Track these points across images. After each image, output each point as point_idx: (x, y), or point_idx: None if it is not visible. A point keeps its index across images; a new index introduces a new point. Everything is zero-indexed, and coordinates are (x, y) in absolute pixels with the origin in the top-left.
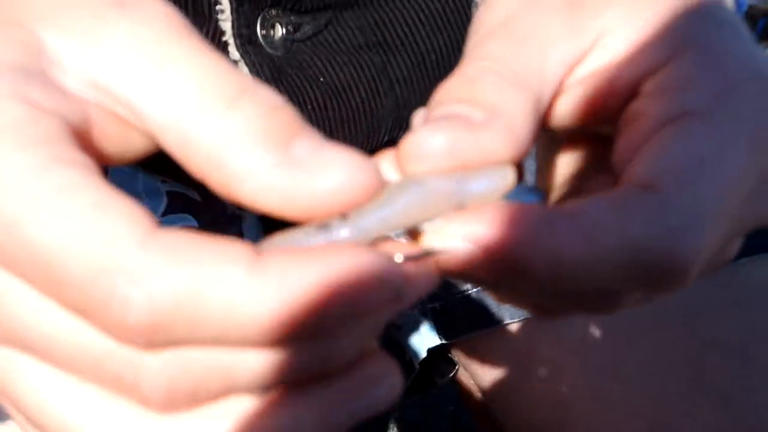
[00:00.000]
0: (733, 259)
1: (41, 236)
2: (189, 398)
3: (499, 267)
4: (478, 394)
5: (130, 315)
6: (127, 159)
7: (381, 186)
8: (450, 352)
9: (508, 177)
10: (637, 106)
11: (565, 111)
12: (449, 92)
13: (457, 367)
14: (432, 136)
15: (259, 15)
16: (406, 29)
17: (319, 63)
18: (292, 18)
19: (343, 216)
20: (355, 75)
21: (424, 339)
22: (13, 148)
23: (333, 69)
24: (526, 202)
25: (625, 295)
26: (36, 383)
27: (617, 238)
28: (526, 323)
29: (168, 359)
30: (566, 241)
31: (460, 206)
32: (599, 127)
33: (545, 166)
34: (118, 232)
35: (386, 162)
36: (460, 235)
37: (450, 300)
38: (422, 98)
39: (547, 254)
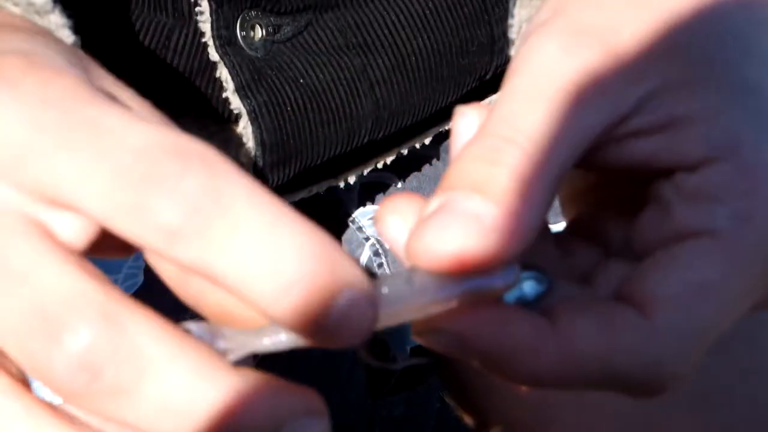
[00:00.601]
0: None
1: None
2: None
3: (485, 366)
4: (462, 389)
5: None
6: None
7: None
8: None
9: (513, 277)
10: (667, 194)
11: (582, 177)
12: (466, 169)
13: (440, 366)
14: (441, 241)
15: (238, 16)
16: (386, 31)
17: (299, 64)
18: (272, 19)
19: None
20: (334, 76)
21: (407, 337)
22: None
23: (313, 70)
24: (530, 291)
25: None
26: None
27: (600, 365)
28: None
29: None
30: (550, 360)
31: (460, 301)
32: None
33: (563, 191)
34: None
35: (395, 215)
36: (449, 332)
37: None
38: (402, 100)
39: (529, 368)
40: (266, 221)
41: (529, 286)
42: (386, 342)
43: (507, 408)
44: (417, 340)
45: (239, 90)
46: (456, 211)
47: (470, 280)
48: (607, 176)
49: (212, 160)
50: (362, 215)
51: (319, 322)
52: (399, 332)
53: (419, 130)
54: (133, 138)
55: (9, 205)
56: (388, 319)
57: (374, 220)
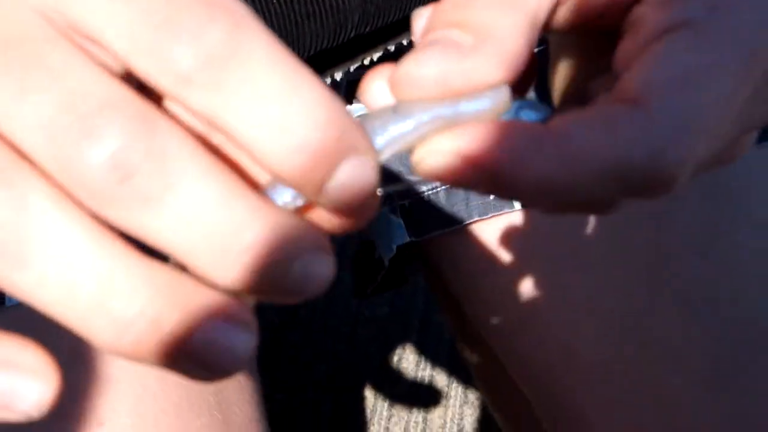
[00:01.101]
0: None
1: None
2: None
3: (486, 182)
4: (447, 290)
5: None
6: None
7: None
8: (420, 250)
9: (502, 97)
10: (639, 11)
11: (565, 18)
12: (440, 16)
13: (425, 264)
14: (422, 66)
15: None
16: None
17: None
18: None
19: None
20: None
21: (394, 236)
22: None
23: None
24: (527, 119)
25: (615, 201)
26: None
27: (602, 156)
28: (494, 220)
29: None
30: (552, 162)
31: (452, 125)
32: (606, 26)
33: (551, 68)
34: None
35: (380, 79)
36: (445, 150)
37: (419, 198)
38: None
39: (531, 174)
40: (281, 79)
41: (526, 114)
42: (373, 242)
43: (490, 308)
44: (416, 173)
45: None
46: (435, 42)
47: (459, 102)
48: (586, 42)
49: (238, 14)
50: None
51: (324, 185)
52: (386, 231)
53: (406, 26)
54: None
55: (39, 20)
56: (383, 150)
57: (359, 93)
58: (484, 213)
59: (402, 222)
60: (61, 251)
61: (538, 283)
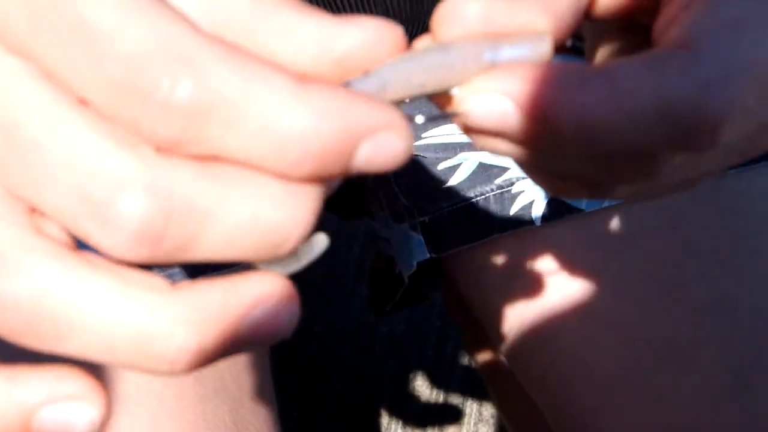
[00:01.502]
0: None
1: (96, 12)
2: (169, 236)
3: (530, 126)
4: (464, 306)
5: (177, 94)
6: None
7: (404, 47)
8: (439, 266)
9: (544, 45)
10: None
11: (608, 3)
12: None
13: (444, 279)
14: (465, 2)
15: None
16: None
17: None
18: None
19: (365, 73)
20: None
21: (414, 253)
22: None
23: None
24: None
25: (660, 160)
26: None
27: (648, 93)
28: (514, 236)
29: (169, 178)
30: (597, 97)
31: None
32: (646, 19)
33: (591, 59)
34: (176, 19)
35: (426, 41)
36: (489, 89)
37: (439, 214)
38: (412, 8)
39: (578, 110)
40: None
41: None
42: (393, 258)
43: (508, 323)
44: (459, 111)
45: None
46: None
47: (500, 45)
48: (626, 36)
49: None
50: None
51: (348, 166)
52: (405, 248)
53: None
54: (125, 42)
55: None
56: (427, 84)
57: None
58: (504, 230)
59: (422, 238)
60: (104, 309)
61: (556, 299)
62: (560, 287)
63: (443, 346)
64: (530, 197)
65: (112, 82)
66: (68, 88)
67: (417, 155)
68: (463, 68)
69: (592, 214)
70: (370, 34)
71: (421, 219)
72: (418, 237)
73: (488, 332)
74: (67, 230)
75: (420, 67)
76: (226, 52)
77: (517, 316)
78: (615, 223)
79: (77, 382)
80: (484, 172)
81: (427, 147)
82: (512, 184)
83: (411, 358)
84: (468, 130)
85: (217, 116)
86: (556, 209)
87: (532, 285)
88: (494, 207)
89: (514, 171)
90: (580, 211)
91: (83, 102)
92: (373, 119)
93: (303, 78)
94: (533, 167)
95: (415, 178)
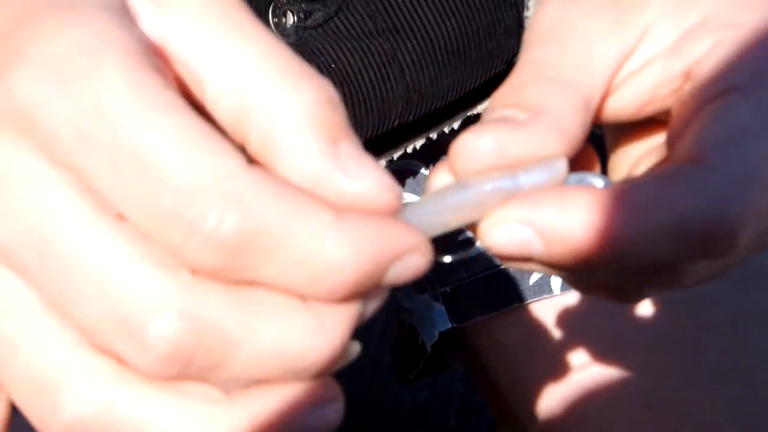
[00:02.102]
0: None
1: (147, 142)
2: (187, 362)
3: (551, 249)
4: (487, 375)
5: (224, 227)
6: None
7: (398, 208)
8: (460, 335)
9: (560, 167)
10: (686, 88)
11: (617, 107)
12: (498, 99)
13: (465, 348)
14: (479, 137)
15: (270, 3)
16: (415, 15)
17: (330, 49)
18: (303, 5)
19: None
20: (365, 61)
21: (436, 322)
22: (129, 65)
23: (344, 55)
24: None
25: (684, 269)
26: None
27: (665, 212)
28: (534, 305)
29: (201, 305)
30: (617, 220)
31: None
32: (659, 116)
33: (612, 155)
34: (227, 153)
35: (442, 172)
36: (508, 220)
37: (460, 284)
38: (432, 83)
39: (599, 233)
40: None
41: (590, 183)
42: (415, 327)
43: (529, 392)
44: (481, 244)
45: None
46: (492, 119)
47: (517, 175)
48: (648, 129)
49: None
50: None
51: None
52: (428, 318)
53: (448, 114)
54: (177, 173)
55: None
56: (450, 223)
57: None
58: (524, 299)
59: (443, 308)
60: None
61: (577, 368)
62: (580, 356)
63: (467, 414)
64: None
65: (159, 210)
66: (108, 203)
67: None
68: (483, 203)
69: None
70: (378, 190)
71: (443, 290)
72: (439, 307)
73: (509, 400)
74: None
75: (441, 207)
76: (273, 188)
77: (538, 385)
78: None
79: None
80: None
81: None
82: None
83: (434, 425)
84: (497, 255)
85: (260, 249)
86: None
87: (552, 353)
88: (513, 276)
89: None
90: None
91: (121, 217)
92: (403, 244)
93: (340, 210)
94: (564, 279)
95: (435, 250)
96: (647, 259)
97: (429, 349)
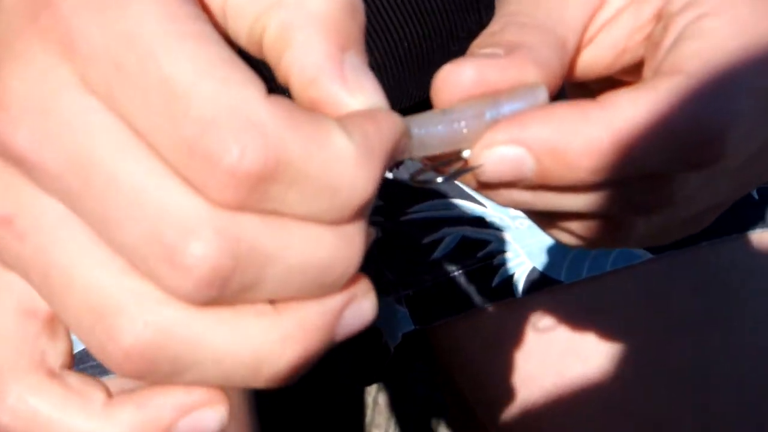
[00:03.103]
0: (693, 242)
1: (173, 69)
2: (225, 282)
3: (543, 166)
4: (450, 376)
5: (245, 162)
6: None
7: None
8: (424, 337)
9: (541, 95)
10: (659, 27)
11: (593, 58)
12: (475, 45)
13: (430, 352)
14: (459, 67)
15: None
16: (379, 18)
17: None
18: None
19: None
20: None
21: (399, 324)
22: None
23: None
24: None
25: (674, 182)
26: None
27: (648, 117)
28: (495, 307)
29: (235, 226)
30: (600, 128)
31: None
32: (631, 77)
33: None
34: (246, 82)
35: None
36: (498, 142)
37: (423, 287)
38: (396, 86)
39: (585, 143)
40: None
41: None
42: (379, 329)
43: (493, 394)
44: (471, 174)
45: None
46: (470, 55)
47: (499, 102)
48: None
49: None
50: None
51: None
52: (391, 319)
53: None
54: (198, 103)
55: None
56: (435, 144)
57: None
58: (487, 301)
59: (407, 311)
60: None
61: (538, 371)
62: (541, 361)
63: (427, 416)
64: (511, 270)
65: (184, 142)
66: (142, 134)
67: (401, 230)
68: (467, 129)
69: (572, 285)
70: (373, 107)
71: (406, 292)
72: (403, 310)
73: (472, 402)
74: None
75: (425, 133)
76: (291, 118)
77: (497, 383)
78: (593, 296)
79: (200, 390)
80: (467, 245)
81: (411, 222)
82: (494, 257)
83: (395, 428)
84: (484, 186)
85: (282, 178)
86: (536, 281)
87: (511, 353)
88: (477, 279)
89: (496, 244)
90: (560, 282)
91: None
92: (402, 143)
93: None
94: (551, 219)
95: (399, 253)
96: (638, 167)
97: (392, 350)
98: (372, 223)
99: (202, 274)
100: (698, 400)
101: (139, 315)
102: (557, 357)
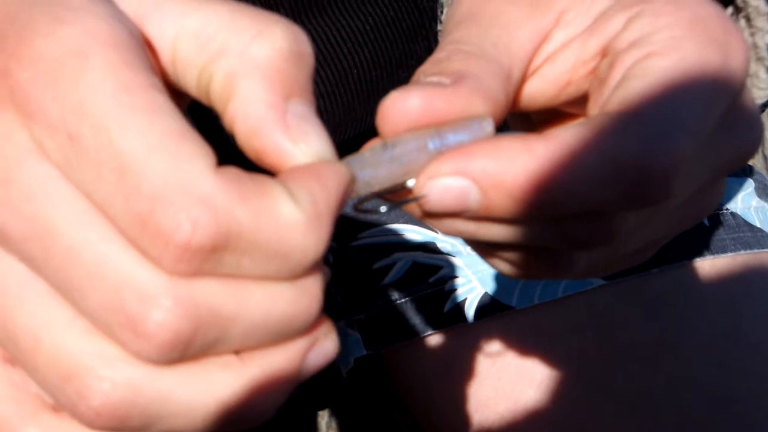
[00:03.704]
0: (644, 268)
1: (125, 144)
2: (185, 345)
3: (488, 198)
4: (403, 401)
5: (195, 237)
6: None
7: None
8: (377, 362)
9: (486, 127)
10: (604, 63)
11: (537, 90)
12: (420, 72)
13: (382, 377)
14: (406, 95)
15: None
16: (329, 46)
17: None
18: None
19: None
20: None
21: (351, 349)
22: (114, 64)
23: None
24: None
25: (615, 220)
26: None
27: (598, 154)
28: (446, 333)
29: (193, 292)
30: (552, 163)
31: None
32: (574, 109)
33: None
34: (195, 157)
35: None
36: (443, 173)
37: (375, 312)
38: (346, 112)
39: (527, 176)
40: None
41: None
42: None
43: (447, 418)
44: (416, 204)
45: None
46: (417, 84)
47: (444, 133)
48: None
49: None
50: None
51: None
52: (343, 345)
53: (363, 142)
54: (149, 178)
55: None
56: (380, 181)
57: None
58: (439, 327)
59: (359, 336)
60: None
61: (491, 396)
62: (493, 383)
63: None
64: (463, 295)
65: (137, 217)
66: (99, 205)
67: (352, 256)
68: (412, 161)
69: (523, 311)
70: (317, 157)
71: (358, 317)
72: (354, 334)
73: (425, 428)
74: None
75: (369, 166)
76: (238, 190)
77: (449, 408)
78: (544, 321)
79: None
80: (418, 271)
81: (362, 248)
82: (445, 282)
83: None
84: (428, 215)
85: (233, 250)
86: (488, 307)
87: (464, 378)
88: (428, 304)
89: (447, 269)
90: (510, 308)
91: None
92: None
93: (286, 173)
94: (492, 249)
95: (350, 278)
96: (582, 203)
97: (344, 375)
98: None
99: (164, 339)
100: (645, 427)
101: (107, 375)
102: (510, 382)
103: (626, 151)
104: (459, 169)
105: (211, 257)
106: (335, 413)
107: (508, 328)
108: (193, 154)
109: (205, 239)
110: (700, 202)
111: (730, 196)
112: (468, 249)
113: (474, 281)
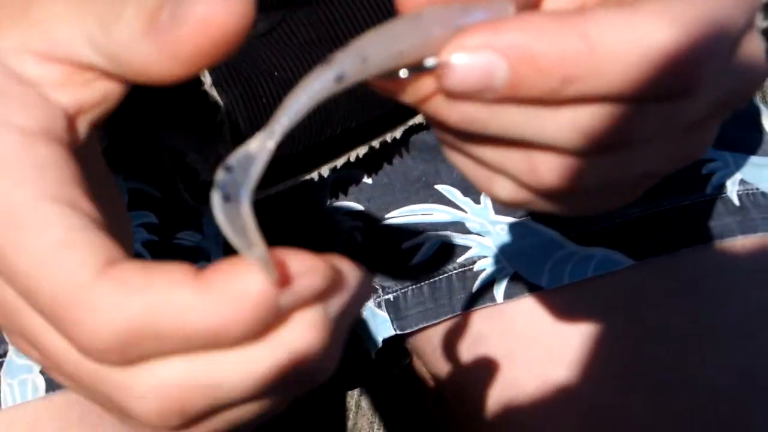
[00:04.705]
0: (675, 248)
1: (21, 266)
2: (180, 415)
3: (515, 75)
4: (431, 382)
5: (97, 342)
6: (108, 105)
7: (252, 18)
8: (405, 342)
9: (509, 8)
10: None
11: None
12: None
13: (410, 357)
14: None
15: None
16: (356, 24)
17: (273, 58)
18: None
19: (345, 47)
20: (308, 69)
21: (380, 329)
22: (8, 183)
23: (287, 63)
24: None
25: (638, 114)
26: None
27: (625, 36)
28: (476, 313)
29: (154, 375)
30: (582, 37)
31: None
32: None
33: None
34: (77, 268)
35: None
36: (475, 44)
37: (403, 292)
38: (372, 90)
39: (565, 51)
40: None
41: None
42: (360, 334)
43: (475, 401)
44: (444, 68)
45: (216, 84)
46: None
47: (468, 11)
48: None
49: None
50: (336, 210)
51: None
52: (371, 324)
53: (391, 123)
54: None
55: None
56: (405, 53)
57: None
58: (467, 307)
59: (387, 316)
60: None
61: (521, 377)
62: (519, 362)
63: (410, 420)
64: (492, 275)
65: (51, 315)
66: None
67: (381, 236)
68: (438, 34)
69: (552, 291)
70: (210, 10)
71: (386, 297)
72: (383, 315)
73: (455, 408)
74: None
75: (397, 36)
76: (136, 284)
77: (479, 388)
78: (575, 301)
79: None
80: (447, 251)
81: (391, 228)
82: (474, 262)
83: None
84: (448, 93)
85: (148, 338)
86: (517, 287)
87: (493, 359)
88: (457, 285)
89: (476, 249)
90: (540, 288)
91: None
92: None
93: (199, 277)
94: (497, 159)
95: (379, 258)
96: (610, 83)
97: (373, 356)
98: (352, 227)
99: (105, 343)
100: (677, 408)
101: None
102: (539, 363)
103: (663, 34)
104: (488, 43)
105: (128, 350)
106: (364, 393)
107: (538, 308)
108: (73, 266)
109: (108, 342)
110: (695, 138)
111: (762, 176)
112: (497, 228)
113: (503, 261)
